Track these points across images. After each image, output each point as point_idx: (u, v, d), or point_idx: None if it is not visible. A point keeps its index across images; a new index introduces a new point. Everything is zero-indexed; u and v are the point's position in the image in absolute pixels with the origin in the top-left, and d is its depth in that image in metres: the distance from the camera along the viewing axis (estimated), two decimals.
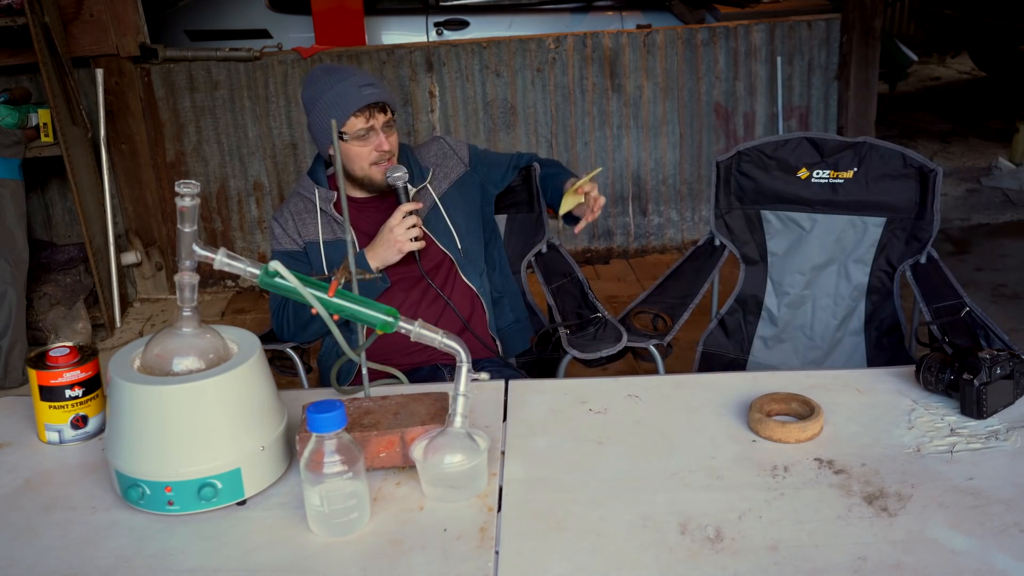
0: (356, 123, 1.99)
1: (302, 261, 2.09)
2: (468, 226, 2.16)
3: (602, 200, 2.03)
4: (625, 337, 1.95)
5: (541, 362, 2.27)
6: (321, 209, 2.08)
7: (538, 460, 1.39)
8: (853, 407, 1.49)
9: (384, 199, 2.10)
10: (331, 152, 2.05)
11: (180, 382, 1.26)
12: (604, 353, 1.93)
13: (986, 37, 7.23)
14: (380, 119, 2.01)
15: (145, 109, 4.14)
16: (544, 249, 2.40)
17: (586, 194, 2.02)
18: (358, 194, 2.12)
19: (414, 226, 1.99)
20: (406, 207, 1.99)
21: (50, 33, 3.60)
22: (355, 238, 2.07)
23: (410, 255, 2.02)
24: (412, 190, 2.08)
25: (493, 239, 2.27)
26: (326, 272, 2.06)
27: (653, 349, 1.99)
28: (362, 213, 2.10)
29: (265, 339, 2.09)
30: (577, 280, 2.26)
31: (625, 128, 4.35)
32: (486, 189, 2.25)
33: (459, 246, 2.12)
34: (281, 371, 2.13)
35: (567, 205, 2.05)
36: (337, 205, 2.07)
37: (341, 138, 2.00)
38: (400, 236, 1.98)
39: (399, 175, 2.01)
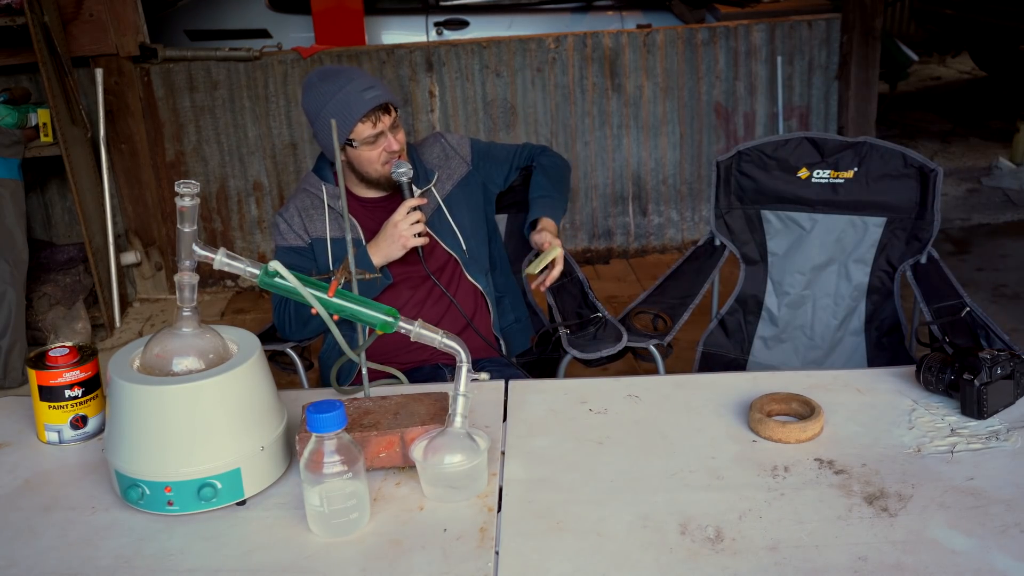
0: (364, 129, 1.97)
1: (307, 257, 2.09)
2: (472, 226, 2.16)
3: (555, 273, 2.03)
4: (625, 337, 1.95)
5: (541, 362, 2.27)
6: (329, 206, 2.07)
7: (538, 460, 1.39)
8: (853, 407, 1.49)
9: (392, 199, 2.09)
10: (341, 157, 2.05)
11: (180, 382, 1.26)
12: (604, 353, 1.93)
13: (986, 37, 7.22)
14: (386, 120, 1.99)
15: (145, 109, 4.14)
16: None
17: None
18: (367, 194, 2.11)
19: (418, 222, 1.98)
20: (410, 202, 1.99)
21: (50, 33, 3.60)
22: (362, 236, 2.07)
23: (414, 252, 2.01)
24: (416, 190, 2.07)
25: (494, 238, 2.27)
26: (331, 268, 2.06)
27: (653, 349, 1.99)
28: (371, 212, 2.10)
29: (265, 338, 2.09)
30: (577, 280, 2.26)
31: (625, 128, 4.35)
32: (488, 189, 2.25)
33: (463, 247, 2.12)
34: (282, 368, 2.12)
35: (533, 269, 2.04)
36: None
37: (350, 144, 1.98)
38: (404, 231, 1.97)
39: (403, 171, 2.00)
